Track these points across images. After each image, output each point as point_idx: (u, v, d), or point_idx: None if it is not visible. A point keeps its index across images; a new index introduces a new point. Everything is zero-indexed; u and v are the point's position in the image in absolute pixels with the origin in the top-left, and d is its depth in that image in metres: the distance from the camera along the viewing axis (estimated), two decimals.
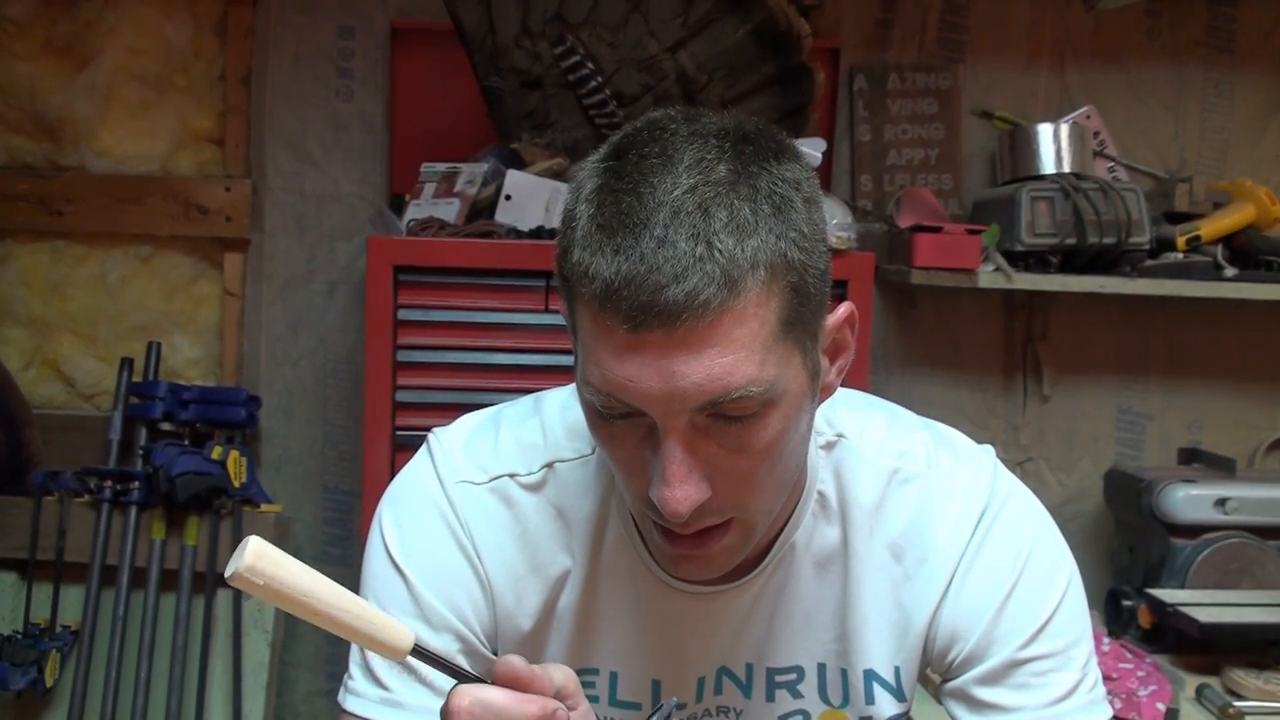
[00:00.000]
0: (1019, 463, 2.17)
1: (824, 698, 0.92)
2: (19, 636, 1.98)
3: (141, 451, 2.03)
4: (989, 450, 0.94)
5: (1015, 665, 0.87)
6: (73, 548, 2.01)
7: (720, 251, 0.70)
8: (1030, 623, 0.87)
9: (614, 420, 0.76)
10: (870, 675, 0.91)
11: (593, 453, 0.90)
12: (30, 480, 2.03)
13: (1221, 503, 1.89)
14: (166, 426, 2.05)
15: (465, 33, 1.88)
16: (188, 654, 2.01)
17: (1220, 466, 1.99)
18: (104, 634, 1.99)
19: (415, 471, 0.92)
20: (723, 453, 0.75)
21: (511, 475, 0.90)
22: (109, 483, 2.01)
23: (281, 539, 2.05)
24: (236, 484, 2.00)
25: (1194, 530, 1.89)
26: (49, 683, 1.96)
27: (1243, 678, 1.68)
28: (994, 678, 0.87)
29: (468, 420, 0.95)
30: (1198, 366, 2.20)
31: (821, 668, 0.92)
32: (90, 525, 2.00)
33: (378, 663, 0.87)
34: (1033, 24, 2.15)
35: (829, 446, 0.90)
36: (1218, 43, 2.16)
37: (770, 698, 0.92)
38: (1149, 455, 2.21)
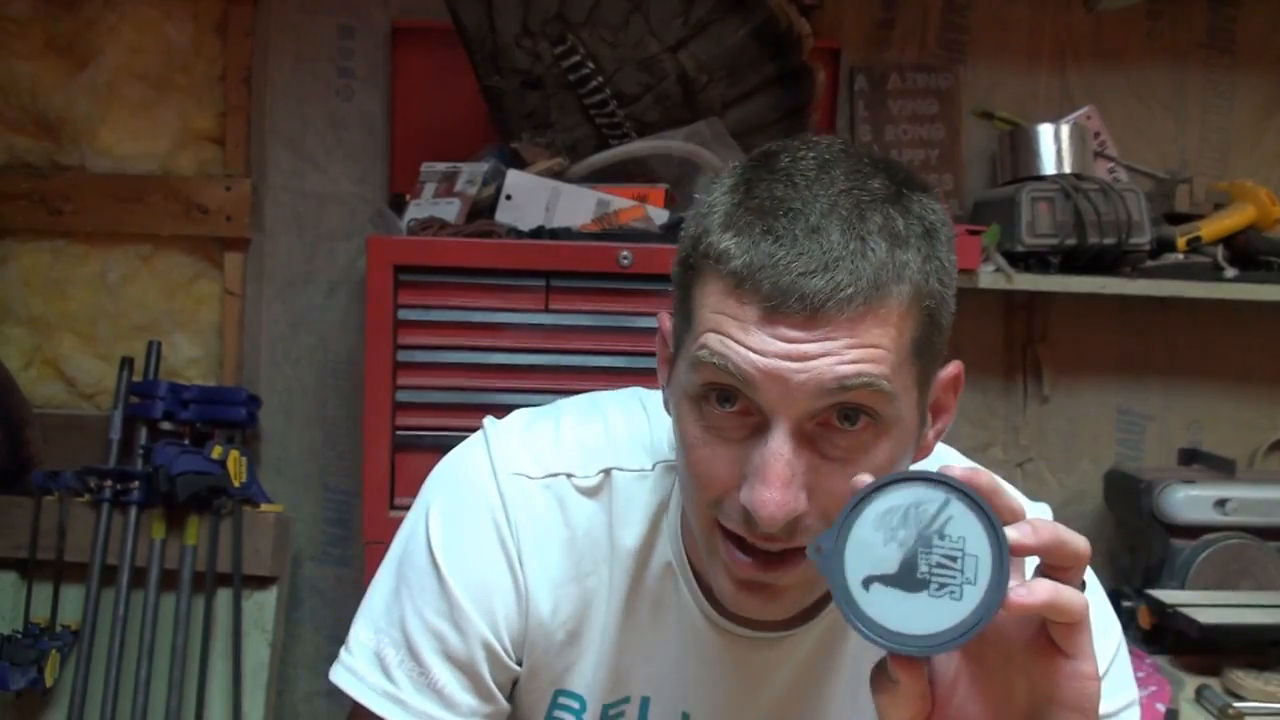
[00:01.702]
0: (1019, 463, 2.17)
1: None
2: (19, 636, 1.98)
3: (141, 451, 2.03)
4: (1045, 508, 0.91)
5: None
6: (73, 547, 2.01)
7: (874, 251, 0.69)
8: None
9: (717, 408, 0.72)
10: None
11: (652, 469, 0.87)
12: (30, 480, 2.03)
13: (1221, 503, 1.89)
14: (166, 426, 2.05)
15: (466, 32, 1.88)
16: (188, 654, 2.00)
17: (1220, 467, 1.99)
18: (104, 634, 1.99)
19: (469, 458, 0.88)
20: (826, 466, 0.71)
21: (569, 475, 0.87)
22: (109, 482, 2.00)
23: (281, 539, 2.05)
24: (236, 484, 2.00)
25: (1194, 531, 1.89)
26: (49, 683, 1.96)
27: (1243, 678, 1.68)
28: None
29: (524, 412, 0.92)
30: (1198, 367, 2.20)
31: None
32: (90, 525, 2.00)
33: (392, 655, 0.85)
34: (1033, 24, 2.15)
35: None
36: (1218, 44, 2.16)
37: None
38: (1149, 456, 2.21)
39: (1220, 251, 1.99)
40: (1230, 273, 1.97)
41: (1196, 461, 2.08)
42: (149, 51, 2.11)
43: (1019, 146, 2.03)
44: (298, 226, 2.14)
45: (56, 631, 2.00)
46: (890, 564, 0.60)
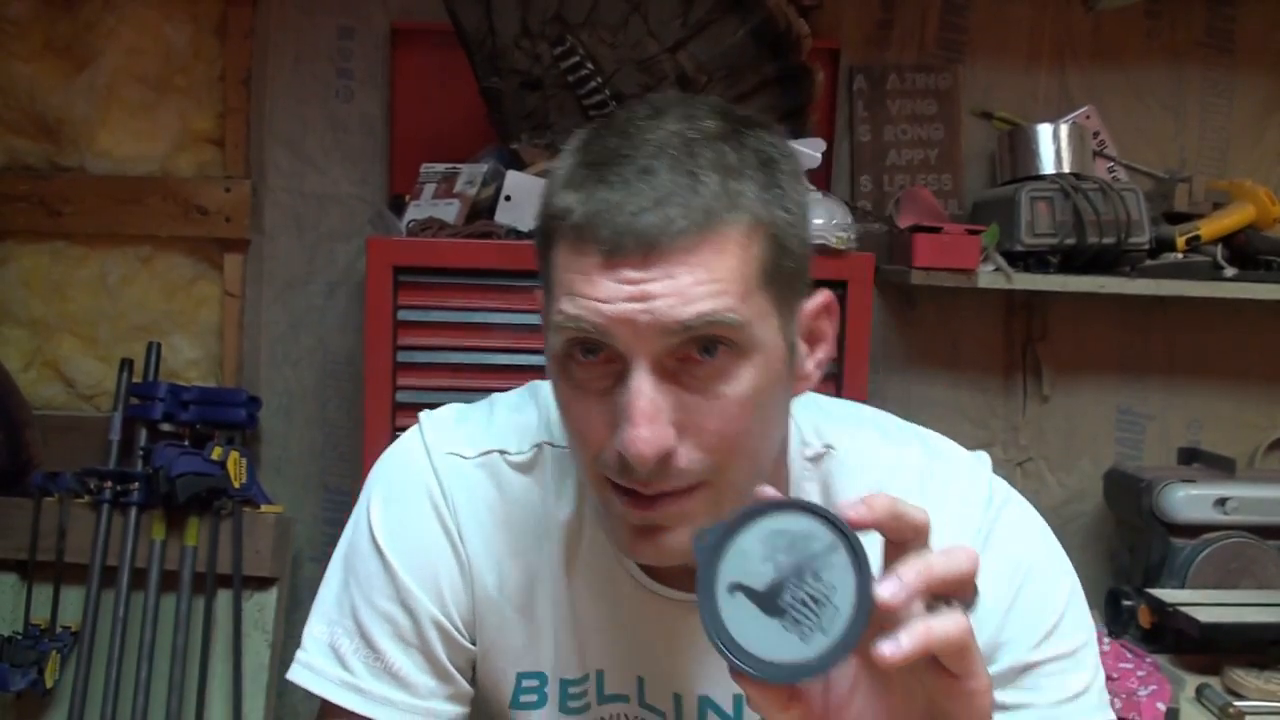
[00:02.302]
0: (1019, 463, 2.17)
1: None
2: (19, 637, 1.98)
3: (141, 452, 2.03)
4: (983, 457, 0.92)
5: (1026, 668, 0.85)
6: (73, 548, 2.01)
7: (705, 184, 0.71)
8: (1039, 625, 0.85)
9: (580, 362, 0.74)
10: None
11: None
12: (30, 481, 2.03)
13: (1221, 503, 1.89)
14: (166, 427, 2.05)
15: (465, 33, 1.88)
16: (188, 655, 2.00)
17: (1220, 466, 1.99)
18: (104, 635, 1.99)
19: (405, 447, 0.90)
20: (692, 400, 0.72)
21: (502, 452, 0.88)
22: (109, 483, 2.01)
23: (281, 539, 2.05)
24: (236, 484, 2.00)
25: (1194, 530, 1.89)
26: (49, 684, 1.96)
27: (1243, 677, 1.68)
28: (1003, 680, 0.85)
29: (459, 404, 0.94)
30: (1198, 366, 2.20)
31: None
32: (90, 526, 2.00)
33: (346, 644, 0.86)
34: (1033, 24, 2.15)
35: (816, 459, 0.87)
36: (1217, 43, 2.16)
37: None
38: (1149, 455, 2.21)
39: (1219, 251, 1.99)
40: (1229, 272, 1.97)
41: (1196, 461, 2.08)
42: (148, 53, 2.12)
43: (1018, 146, 2.03)
44: (297, 228, 2.14)
45: (57, 633, 2.00)
46: (760, 581, 0.61)
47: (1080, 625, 0.88)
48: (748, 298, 0.72)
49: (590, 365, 0.74)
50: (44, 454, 2.10)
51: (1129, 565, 2.02)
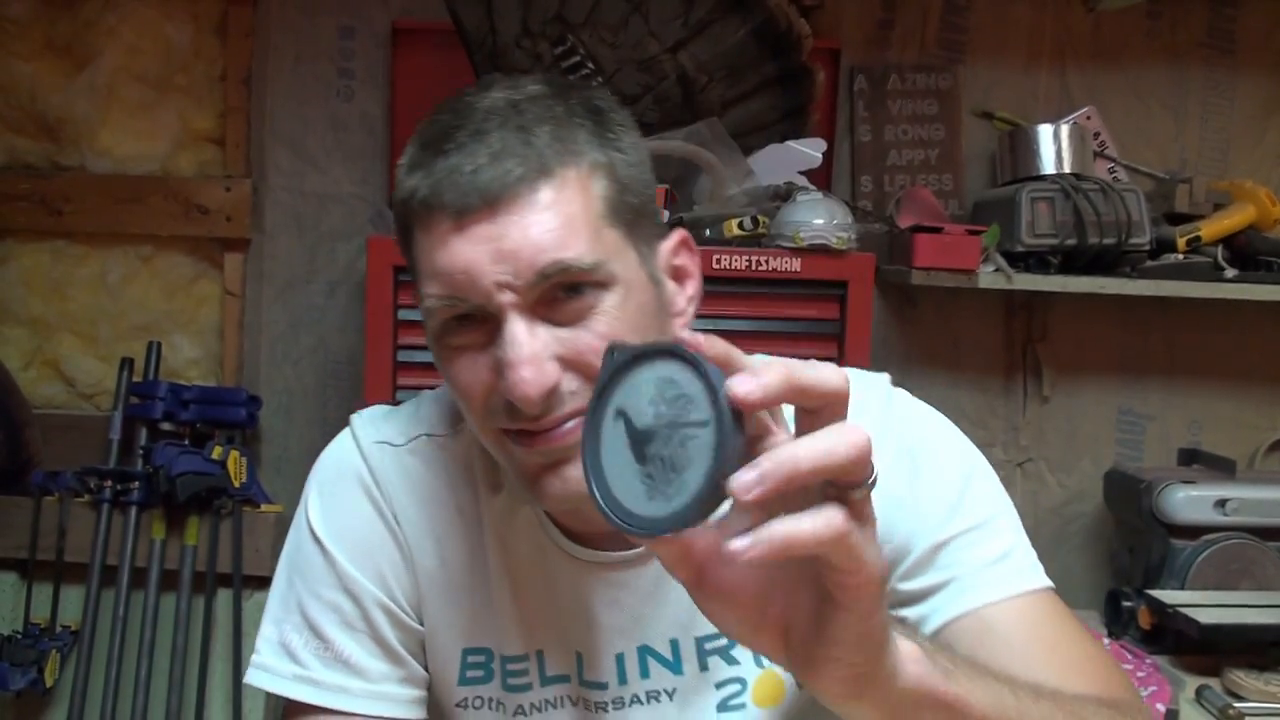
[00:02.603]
0: (1019, 463, 2.17)
1: (758, 659, 0.91)
2: (19, 636, 1.98)
3: (142, 451, 2.03)
4: (884, 376, 0.94)
5: (939, 546, 0.85)
6: (73, 548, 2.01)
7: (536, 136, 0.75)
8: (942, 501, 0.86)
9: (457, 330, 0.77)
10: None
11: None
12: (30, 480, 2.03)
13: (1221, 503, 1.89)
14: (167, 426, 2.05)
15: (466, 33, 1.88)
16: (188, 654, 2.01)
17: (1220, 467, 1.99)
18: (104, 634, 1.99)
19: (337, 445, 0.94)
20: (567, 334, 0.75)
21: (429, 434, 0.91)
22: (109, 483, 2.01)
23: (281, 539, 2.04)
24: (236, 484, 2.00)
25: (1194, 531, 1.89)
26: (49, 683, 1.96)
27: (1243, 678, 1.68)
28: (921, 566, 0.85)
29: (388, 404, 0.97)
30: (1198, 367, 2.20)
31: None
32: (90, 525, 2.00)
33: (296, 639, 0.87)
34: (1033, 24, 2.15)
35: None
36: (1218, 43, 2.16)
37: (704, 667, 0.90)
38: (1149, 456, 2.21)
39: (1220, 251, 1.99)
40: (1230, 273, 1.97)
41: (1196, 461, 2.08)
42: (148, 52, 2.12)
43: (1019, 146, 2.03)
44: (298, 227, 2.14)
45: (56, 632, 2.00)
46: (640, 419, 0.57)
47: (987, 497, 0.89)
48: (597, 237, 0.75)
49: (466, 331, 0.77)
50: (44, 453, 2.10)
51: (1129, 566, 2.02)
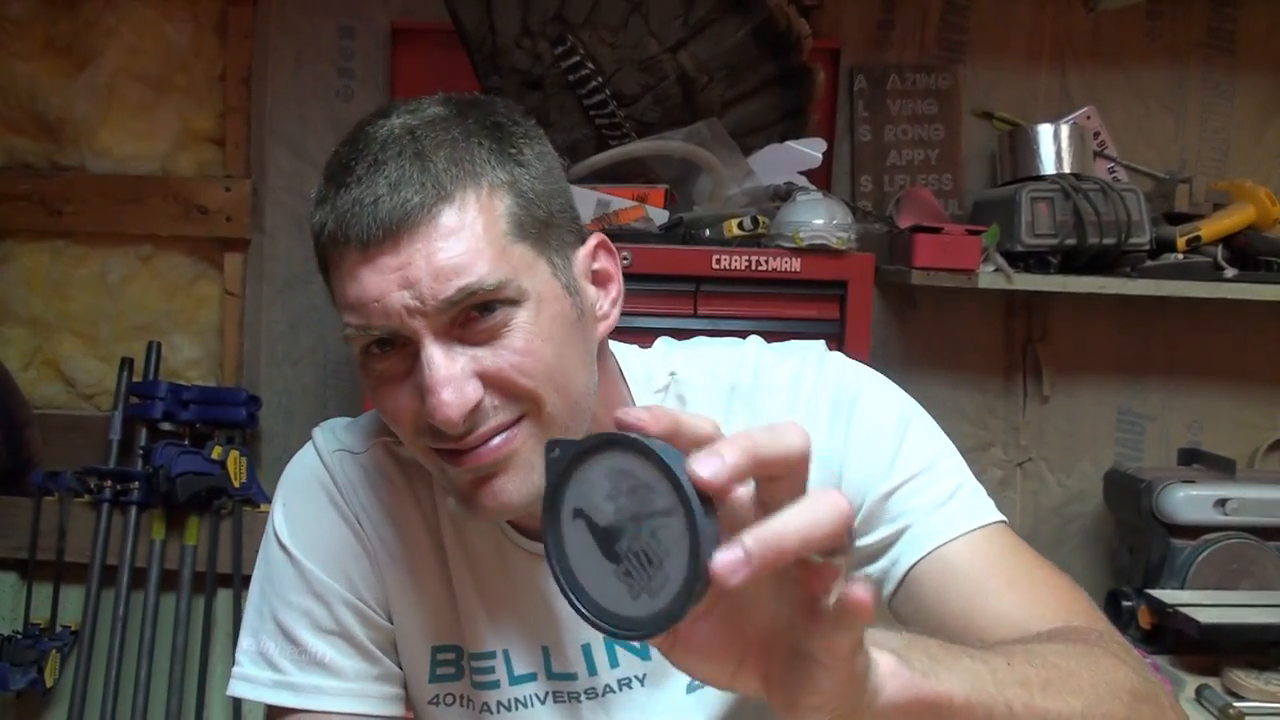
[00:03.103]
0: (1019, 463, 2.17)
1: None
2: (19, 636, 1.98)
3: (141, 451, 2.04)
4: (820, 343, 0.95)
5: (885, 496, 0.86)
6: (73, 548, 2.01)
7: (433, 163, 0.76)
8: (881, 451, 0.87)
9: (379, 358, 0.78)
10: None
11: None
12: (30, 480, 2.03)
13: (1221, 503, 1.89)
14: (166, 426, 2.05)
15: (466, 33, 1.88)
16: (188, 654, 2.01)
17: (1220, 467, 1.99)
18: (104, 634, 2.00)
19: (299, 458, 0.95)
20: (483, 352, 0.76)
21: (386, 439, 0.92)
22: (109, 483, 2.01)
23: None
24: (236, 484, 2.00)
25: (1194, 531, 1.89)
26: (49, 683, 1.96)
27: (1243, 678, 1.68)
28: (874, 518, 0.87)
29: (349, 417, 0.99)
30: (1198, 366, 2.20)
31: None
32: (90, 525, 2.00)
33: (272, 647, 0.89)
34: (1033, 24, 2.15)
35: (664, 389, 0.91)
36: (1218, 43, 2.16)
37: None
38: (1149, 455, 2.21)
39: (1220, 251, 1.99)
40: (1230, 272, 1.97)
41: (1196, 461, 2.08)
42: (148, 52, 2.12)
43: (1019, 146, 2.03)
44: (298, 227, 2.14)
45: (56, 632, 2.00)
46: (601, 517, 0.55)
47: (926, 441, 0.90)
48: (502, 255, 0.76)
49: (387, 357, 0.78)
50: (44, 453, 2.10)
51: (1129, 566, 2.02)
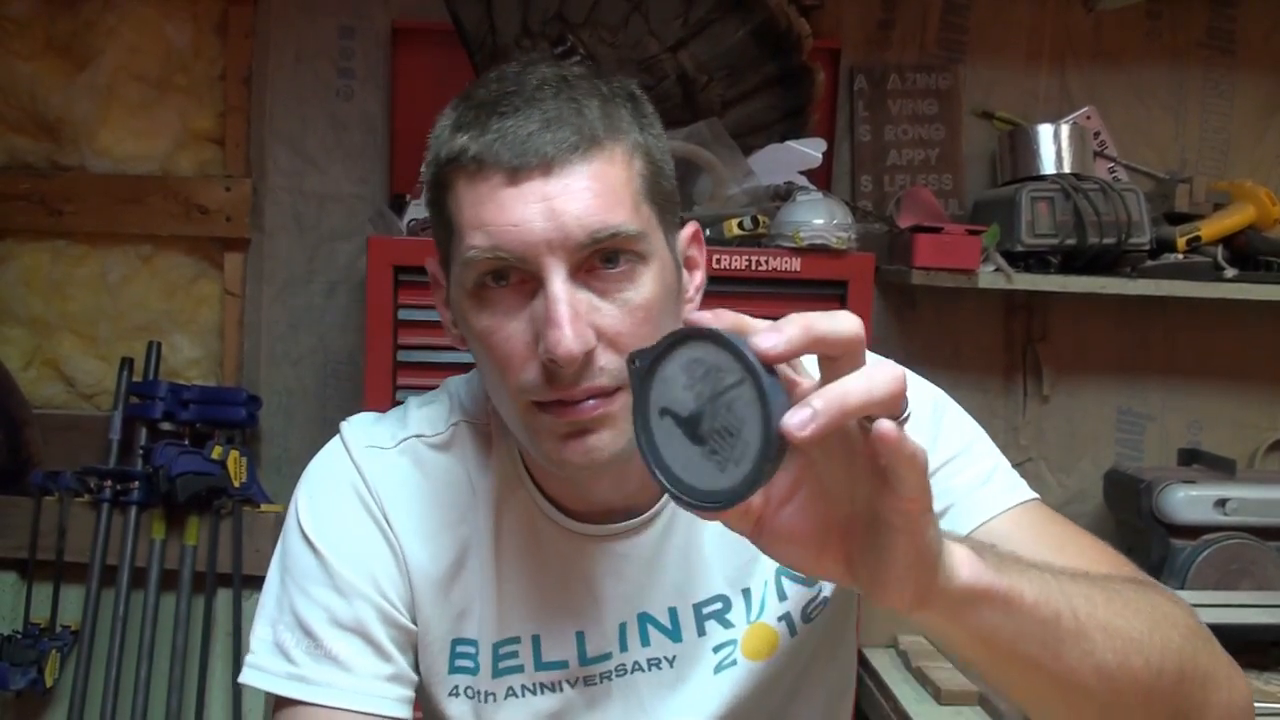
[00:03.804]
0: (1019, 463, 2.16)
1: (749, 615, 0.93)
2: (19, 636, 1.98)
3: (141, 451, 2.03)
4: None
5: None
6: (73, 548, 2.01)
7: (587, 108, 0.78)
8: (922, 439, 0.87)
9: (496, 289, 0.79)
10: (780, 571, 0.93)
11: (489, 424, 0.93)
12: (30, 480, 2.03)
13: (1221, 503, 1.89)
14: (166, 426, 2.05)
15: (466, 33, 1.88)
16: (188, 654, 2.01)
17: (1220, 467, 1.99)
18: (104, 634, 1.99)
19: (327, 451, 0.96)
20: (603, 305, 0.78)
21: (419, 436, 0.93)
22: (109, 483, 2.01)
23: None
24: (236, 484, 2.00)
25: (1194, 531, 1.89)
26: (49, 683, 1.96)
27: None
28: None
29: (376, 412, 0.99)
30: (1198, 367, 2.20)
31: (746, 592, 0.93)
32: (90, 525, 2.00)
33: (288, 638, 0.88)
34: (1033, 25, 2.15)
35: None
36: (1218, 44, 2.16)
37: (701, 632, 0.93)
38: (1149, 455, 2.21)
39: (1220, 251, 1.99)
40: (1230, 272, 1.97)
41: (1196, 461, 2.08)
42: (148, 52, 2.11)
43: (1019, 146, 2.03)
44: (298, 226, 2.14)
45: (56, 632, 2.00)
46: (684, 407, 0.60)
47: (961, 425, 0.97)
48: (638, 210, 0.79)
49: (503, 290, 0.79)
50: (44, 453, 2.10)
51: None
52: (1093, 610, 0.71)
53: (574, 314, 0.76)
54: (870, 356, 0.61)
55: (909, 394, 0.89)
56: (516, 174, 0.76)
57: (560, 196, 0.76)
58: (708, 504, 0.60)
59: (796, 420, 0.55)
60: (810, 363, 0.61)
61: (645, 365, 0.62)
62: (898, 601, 0.63)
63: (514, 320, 0.79)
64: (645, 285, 0.79)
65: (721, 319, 0.60)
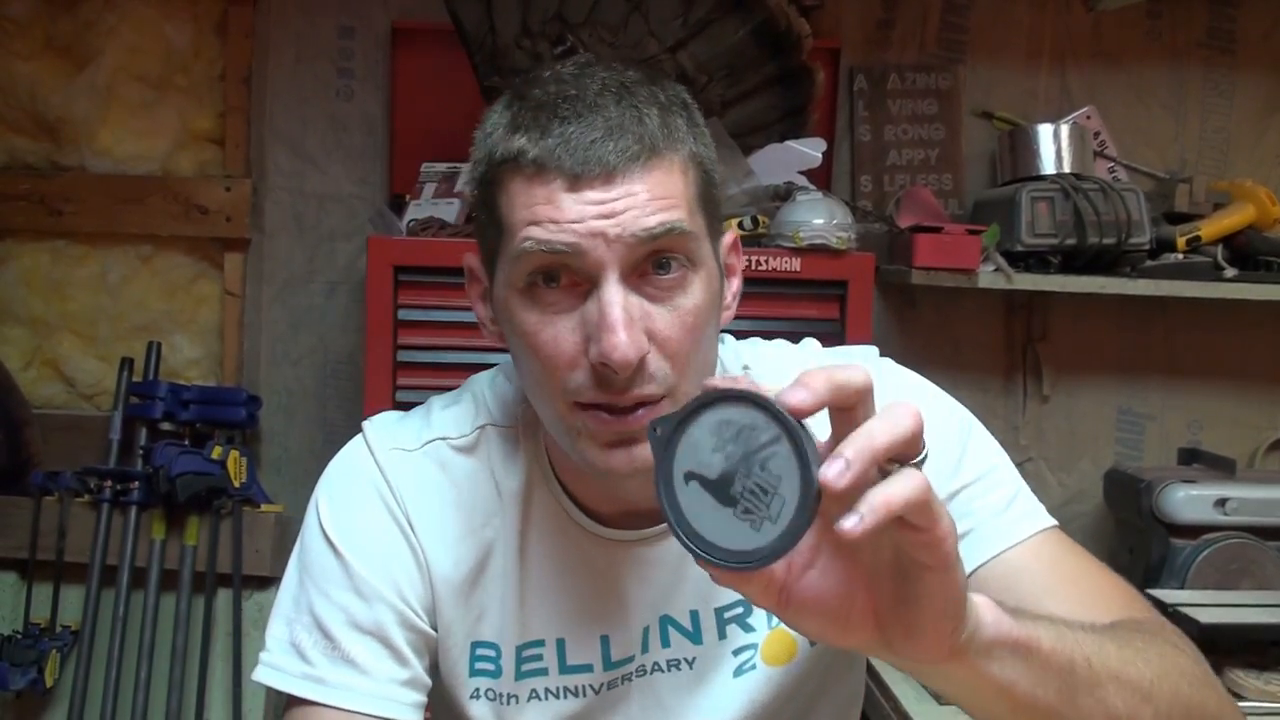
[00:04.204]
0: (1019, 463, 2.16)
1: (771, 620, 0.93)
2: (19, 636, 1.98)
3: (141, 451, 2.04)
4: (872, 348, 1.00)
5: (949, 498, 0.89)
6: (73, 548, 2.01)
7: (649, 118, 0.78)
8: (947, 456, 0.91)
9: (545, 289, 0.78)
10: None
11: (521, 419, 0.93)
12: (30, 480, 2.03)
13: (1221, 503, 1.89)
14: (166, 426, 2.05)
15: (465, 33, 1.88)
16: (188, 654, 2.01)
17: (1220, 467, 1.99)
18: (104, 634, 2.00)
19: (349, 451, 0.95)
20: (655, 310, 0.78)
21: (444, 438, 0.92)
22: (109, 483, 2.01)
23: (281, 539, 2.05)
24: (236, 484, 2.00)
25: (1194, 531, 1.89)
26: (49, 683, 1.96)
27: (1243, 678, 1.68)
28: None
29: (398, 411, 0.98)
30: (1198, 366, 2.20)
31: None
32: (90, 525, 2.00)
33: (305, 639, 0.88)
34: (1033, 24, 2.15)
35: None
36: (1218, 43, 2.16)
37: (722, 635, 0.93)
38: (1149, 455, 2.21)
39: (1220, 251, 1.99)
40: (1230, 272, 1.97)
41: (1196, 461, 2.08)
42: (148, 52, 2.12)
43: (1019, 146, 2.03)
44: (298, 227, 2.14)
45: (56, 632, 2.00)
46: (712, 470, 0.61)
47: (985, 448, 0.96)
48: (692, 216, 0.80)
49: (553, 290, 0.79)
50: (44, 453, 2.10)
51: (1129, 566, 2.02)
52: (1105, 659, 0.71)
53: (629, 319, 0.76)
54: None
55: (939, 418, 0.89)
56: (578, 181, 0.76)
57: (618, 203, 0.76)
58: (743, 564, 0.60)
59: (834, 471, 0.57)
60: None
61: (669, 431, 0.62)
62: (934, 648, 0.63)
63: (563, 320, 0.79)
64: (696, 292, 0.79)
65: (738, 381, 0.61)
